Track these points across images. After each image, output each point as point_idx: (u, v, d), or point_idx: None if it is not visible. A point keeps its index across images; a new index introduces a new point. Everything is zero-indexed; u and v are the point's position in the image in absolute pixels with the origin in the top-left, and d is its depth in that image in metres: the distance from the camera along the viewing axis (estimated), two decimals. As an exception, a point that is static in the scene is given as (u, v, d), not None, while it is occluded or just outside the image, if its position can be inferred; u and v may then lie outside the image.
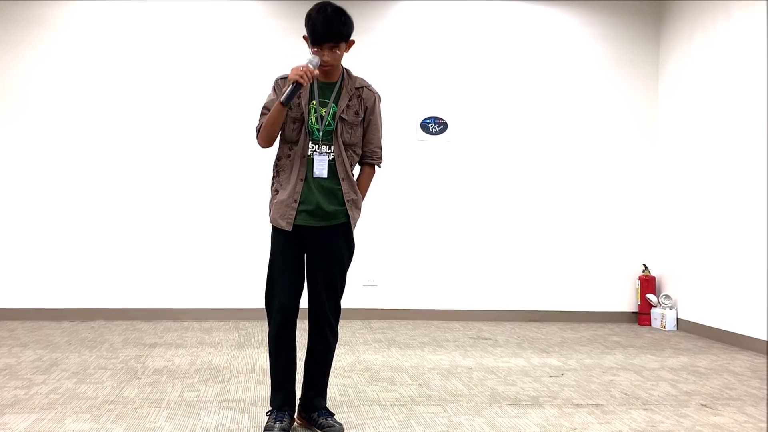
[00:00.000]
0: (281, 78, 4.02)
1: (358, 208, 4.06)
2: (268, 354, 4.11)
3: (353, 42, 4.00)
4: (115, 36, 8.02)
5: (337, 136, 3.97)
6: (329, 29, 3.84)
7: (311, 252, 4.06)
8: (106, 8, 8.01)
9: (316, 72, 3.82)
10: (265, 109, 4.00)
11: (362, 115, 4.05)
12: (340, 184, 3.98)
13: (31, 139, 7.90)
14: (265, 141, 3.97)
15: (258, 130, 3.99)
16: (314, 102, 3.98)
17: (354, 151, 4.07)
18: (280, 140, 4.04)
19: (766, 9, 6.92)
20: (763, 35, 6.93)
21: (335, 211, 3.99)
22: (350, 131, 4.01)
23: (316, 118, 3.96)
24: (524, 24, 8.49)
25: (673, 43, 8.37)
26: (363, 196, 4.14)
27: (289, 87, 3.77)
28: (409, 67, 8.35)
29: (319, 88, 4.00)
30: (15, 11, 7.91)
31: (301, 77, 3.75)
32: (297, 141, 3.96)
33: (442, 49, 8.41)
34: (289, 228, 3.95)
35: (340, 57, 3.95)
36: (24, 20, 7.91)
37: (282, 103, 3.80)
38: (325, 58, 3.87)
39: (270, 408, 4.10)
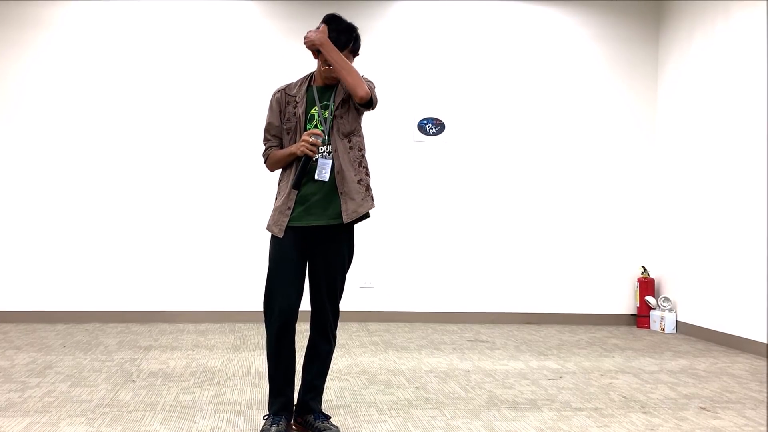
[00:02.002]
0: (277, 92, 4.10)
1: (353, 199, 3.97)
2: (266, 359, 4.07)
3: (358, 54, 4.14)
4: (110, 36, 8.00)
5: (333, 133, 3.97)
6: (339, 43, 3.97)
7: (314, 255, 4.05)
8: (101, 8, 7.98)
9: (319, 141, 3.90)
10: (267, 133, 4.11)
11: (349, 101, 4.04)
12: (335, 178, 3.96)
13: (26, 140, 7.87)
14: (272, 169, 4.18)
15: (265, 159, 4.15)
16: (316, 107, 3.99)
17: (357, 135, 4.06)
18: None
19: (765, 9, 6.89)
20: (763, 35, 6.91)
21: (334, 212, 3.96)
22: (343, 120, 4.01)
23: (322, 122, 3.96)
24: (522, 24, 8.47)
25: (673, 43, 8.34)
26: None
27: (299, 165, 3.88)
28: (407, 67, 8.32)
29: (318, 93, 4.03)
30: (9, 11, 7.88)
31: (311, 151, 3.87)
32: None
33: (440, 49, 8.38)
34: (280, 235, 3.96)
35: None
36: (19, 21, 7.88)
37: (293, 187, 3.91)
38: (312, 133, 3.92)
39: (267, 413, 4.07)
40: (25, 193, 7.85)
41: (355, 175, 3.99)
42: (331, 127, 3.97)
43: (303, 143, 3.86)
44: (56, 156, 7.89)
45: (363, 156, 4.07)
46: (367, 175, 4.07)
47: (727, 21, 7.43)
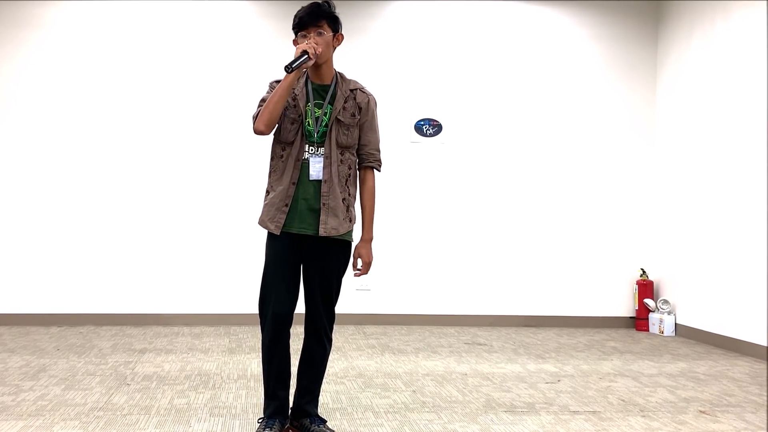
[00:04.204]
0: (275, 81, 3.99)
1: (336, 216, 3.91)
2: (261, 362, 4.04)
3: (342, 37, 4.00)
4: (105, 36, 7.96)
5: (330, 138, 3.91)
6: (311, 10, 3.87)
7: (308, 260, 3.99)
8: (95, 8, 7.95)
9: (320, 50, 3.80)
10: (262, 101, 3.91)
11: (357, 117, 3.99)
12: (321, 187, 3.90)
13: (19, 141, 7.82)
14: (265, 123, 3.80)
15: (255, 117, 3.84)
16: (310, 104, 3.93)
17: (351, 153, 4.00)
18: (274, 140, 3.98)
19: (765, 9, 6.87)
20: (763, 36, 6.88)
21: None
22: (346, 133, 3.95)
23: (312, 120, 3.90)
24: (520, 24, 8.44)
25: (672, 43, 8.31)
26: (372, 203, 4.05)
27: (297, 56, 3.74)
28: (403, 67, 8.29)
29: (314, 90, 3.96)
30: (2, 11, 7.84)
31: (309, 44, 3.77)
32: (292, 142, 3.90)
33: (437, 49, 8.35)
34: (277, 231, 3.88)
35: (329, 44, 3.91)
36: (12, 20, 7.84)
37: (287, 70, 3.69)
38: (312, 42, 3.83)
39: (262, 416, 4.04)
40: (18, 195, 7.80)
41: (341, 192, 3.93)
42: (329, 131, 3.92)
43: (301, 45, 3.79)
44: (49, 158, 7.85)
45: (350, 175, 4.00)
46: (350, 195, 4.01)
47: (727, 21, 7.40)
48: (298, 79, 3.95)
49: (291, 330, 3.98)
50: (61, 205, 7.84)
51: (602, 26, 8.52)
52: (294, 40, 3.95)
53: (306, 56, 3.73)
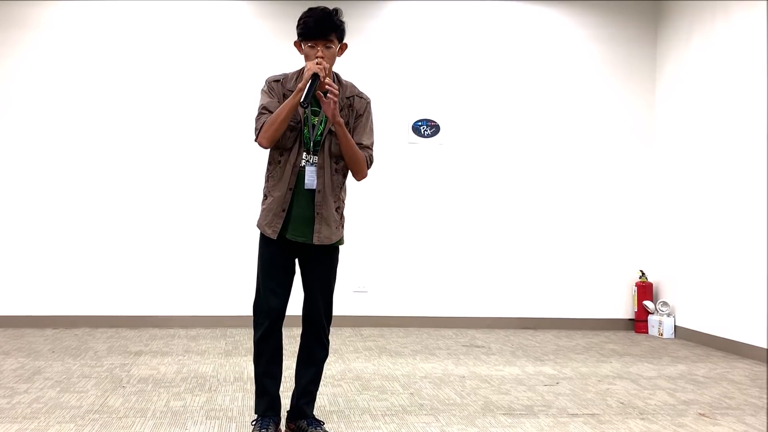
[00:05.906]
0: (273, 80, 3.97)
1: (329, 225, 3.91)
2: (252, 359, 4.05)
3: (346, 46, 3.99)
4: (101, 37, 7.93)
5: (323, 148, 3.90)
6: (323, 22, 3.82)
7: (304, 266, 4.03)
8: (91, 8, 7.92)
9: (328, 67, 3.81)
10: (264, 109, 3.89)
11: (351, 124, 3.98)
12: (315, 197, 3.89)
13: (15, 143, 7.79)
14: (269, 140, 3.82)
15: (258, 131, 3.85)
16: (307, 110, 3.91)
17: (345, 162, 3.98)
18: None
19: (765, 9, 6.85)
20: (763, 36, 6.86)
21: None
22: (339, 143, 3.92)
23: (310, 127, 3.89)
24: (518, 24, 8.42)
25: (671, 43, 8.29)
26: (357, 153, 3.91)
27: (307, 84, 3.70)
28: (401, 68, 8.27)
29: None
30: None
31: (319, 65, 3.73)
32: (290, 149, 3.88)
33: (435, 49, 8.32)
34: (274, 236, 3.90)
35: (334, 56, 3.91)
36: (6, 21, 7.81)
37: (301, 104, 3.70)
38: (319, 54, 3.81)
39: (255, 415, 4.04)
40: (14, 197, 7.77)
41: (334, 202, 3.94)
42: (323, 141, 3.90)
43: (311, 64, 3.75)
44: (45, 160, 7.81)
45: (344, 183, 4.02)
46: (343, 202, 4.04)
47: (727, 21, 7.38)
48: (296, 79, 3.94)
49: (286, 332, 3.97)
50: (57, 207, 7.81)
51: (601, 26, 8.50)
52: (296, 42, 3.94)
53: (318, 80, 3.73)
